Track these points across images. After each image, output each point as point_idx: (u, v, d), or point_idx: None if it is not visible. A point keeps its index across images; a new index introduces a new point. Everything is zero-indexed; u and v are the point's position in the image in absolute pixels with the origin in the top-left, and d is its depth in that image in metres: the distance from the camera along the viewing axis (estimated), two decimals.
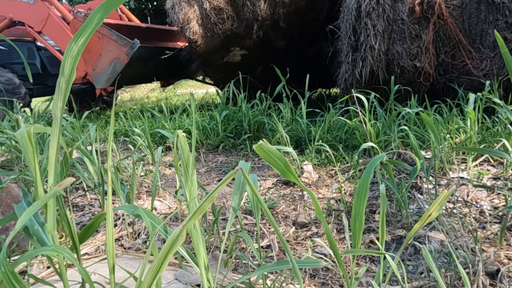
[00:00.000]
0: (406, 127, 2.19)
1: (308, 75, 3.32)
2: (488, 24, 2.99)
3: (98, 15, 0.63)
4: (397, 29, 3.19)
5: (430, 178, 1.86)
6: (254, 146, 0.71)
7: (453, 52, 3.14)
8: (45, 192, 0.71)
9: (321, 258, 1.28)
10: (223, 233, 1.48)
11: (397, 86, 3.03)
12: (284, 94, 3.38)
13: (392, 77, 3.04)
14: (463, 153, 2.20)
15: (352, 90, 2.83)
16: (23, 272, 1.27)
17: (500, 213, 1.52)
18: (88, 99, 7.23)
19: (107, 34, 5.02)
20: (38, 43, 6.12)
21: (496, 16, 2.94)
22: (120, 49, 4.99)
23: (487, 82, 2.58)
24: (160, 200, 1.98)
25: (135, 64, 5.13)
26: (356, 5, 3.23)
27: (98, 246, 1.47)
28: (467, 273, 1.05)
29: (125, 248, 1.45)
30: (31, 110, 4.68)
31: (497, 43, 3.01)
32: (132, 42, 4.90)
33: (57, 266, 1.16)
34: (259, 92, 3.73)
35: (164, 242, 1.12)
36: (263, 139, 0.74)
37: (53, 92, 7.27)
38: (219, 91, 4.75)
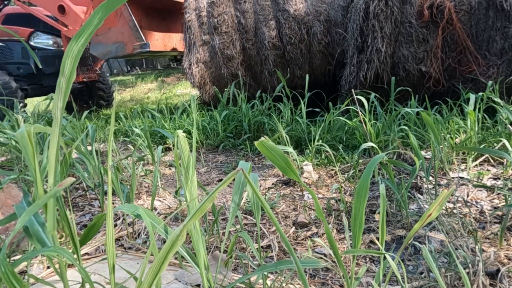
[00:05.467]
0: (406, 127, 2.19)
1: (308, 76, 3.32)
2: (496, 31, 2.96)
3: (99, 15, 0.63)
4: (405, 32, 3.15)
5: (430, 178, 1.86)
6: (255, 143, 0.72)
7: (460, 58, 3.10)
8: (45, 192, 0.71)
9: (321, 258, 1.28)
10: (223, 233, 1.48)
11: (400, 88, 3.02)
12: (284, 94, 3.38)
13: (393, 78, 3.03)
14: (463, 153, 2.20)
15: (352, 90, 2.83)
16: (23, 272, 1.27)
17: (500, 213, 1.52)
18: (86, 99, 7.22)
19: (126, 17, 4.91)
20: (32, 43, 6.09)
21: (505, 23, 2.91)
22: (131, 39, 4.93)
23: (489, 83, 2.57)
24: (160, 200, 1.98)
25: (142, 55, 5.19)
26: (364, 5, 3.18)
27: (98, 246, 1.47)
28: (467, 273, 1.05)
29: (125, 248, 1.45)
30: (24, 111, 4.66)
31: (504, 50, 2.97)
32: (144, 43, 4.87)
33: (57, 266, 1.16)
34: (259, 92, 3.73)
35: (164, 242, 1.12)
36: (264, 136, 0.74)
37: (48, 92, 7.18)
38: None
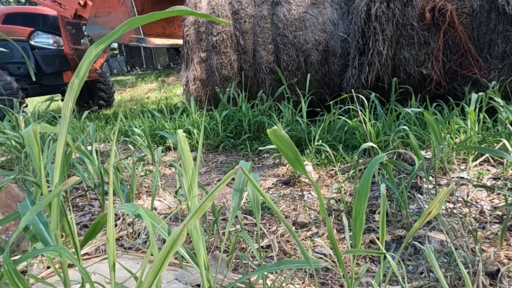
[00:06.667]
0: (406, 127, 2.19)
1: (308, 76, 3.32)
2: (498, 34, 2.94)
3: (123, 28, 0.67)
4: (406, 35, 3.13)
5: (430, 178, 1.86)
6: (268, 131, 0.71)
7: (461, 61, 3.08)
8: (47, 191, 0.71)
9: (321, 258, 1.28)
10: (223, 233, 1.48)
11: (401, 89, 3.01)
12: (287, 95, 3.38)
13: (394, 78, 3.01)
14: (463, 153, 2.20)
15: (352, 90, 2.83)
16: (22, 272, 1.28)
17: (500, 213, 1.52)
18: (86, 99, 7.22)
19: (128, 6, 4.84)
20: (32, 42, 6.09)
21: (507, 26, 2.89)
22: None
23: (492, 83, 2.57)
24: (160, 200, 1.98)
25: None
26: (365, 8, 3.16)
27: (98, 246, 1.47)
28: (467, 273, 1.05)
29: (125, 248, 1.45)
30: (24, 111, 4.65)
31: (506, 54, 2.95)
32: (141, 38, 4.84)
33: (57, 266, 1.17)
34: (260, 92, 3.74)
35: (164, 242, 1.12)
36: (277, 124, 0.75)
37: (48, 91, 7.16)
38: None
